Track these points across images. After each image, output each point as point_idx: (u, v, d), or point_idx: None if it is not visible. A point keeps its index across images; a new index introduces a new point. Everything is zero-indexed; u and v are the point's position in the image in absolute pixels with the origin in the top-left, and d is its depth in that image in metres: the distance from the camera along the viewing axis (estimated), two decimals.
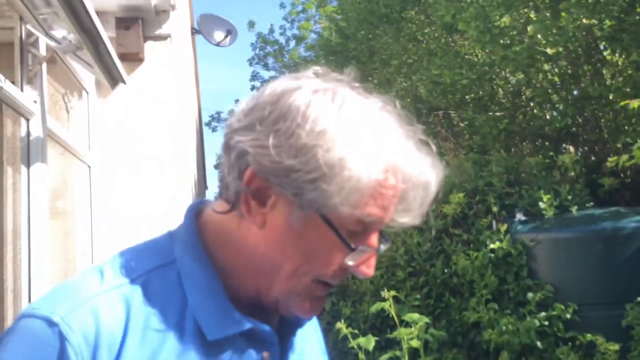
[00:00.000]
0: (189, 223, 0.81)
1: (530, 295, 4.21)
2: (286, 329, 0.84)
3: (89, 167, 3.87)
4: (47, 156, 3.01)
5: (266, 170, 0.71)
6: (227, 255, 0.78)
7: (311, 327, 0.93)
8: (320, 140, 0.69)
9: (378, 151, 0.71)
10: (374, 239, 0.76)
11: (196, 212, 0.83)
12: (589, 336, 3.89)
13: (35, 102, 2.90)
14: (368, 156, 0.70)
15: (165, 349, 0.71)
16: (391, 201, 0.73)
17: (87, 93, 3.92)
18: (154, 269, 0.76)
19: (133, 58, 4.04)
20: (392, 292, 3.41)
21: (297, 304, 0.78)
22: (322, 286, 0.77)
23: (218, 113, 17.01)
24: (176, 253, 0.78)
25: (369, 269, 0.76)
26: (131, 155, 3.98)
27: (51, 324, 0.67)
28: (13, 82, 2.67)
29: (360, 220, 0.72)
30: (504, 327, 3.97)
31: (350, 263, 0.74)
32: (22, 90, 2.81)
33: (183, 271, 0.76)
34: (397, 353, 3.19)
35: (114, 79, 3.16)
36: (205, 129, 14.27)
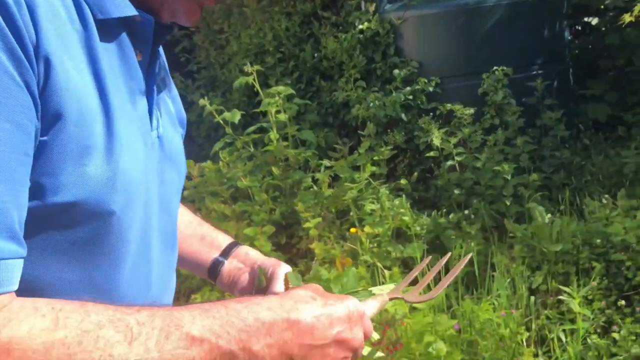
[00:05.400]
0: None
1: (396, 72, 4.29)
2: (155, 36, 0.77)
3: None
4: None
5: None
6: None
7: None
8: None
9: None
10: None
11: None
12: (448, 106, 4.09)
13: None
14: None
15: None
16: None
17: None
18: None
19: None
20: (257, 67, 3.29)
21: (185, 6, 0.74)
22: None
23: None
24: None
25: None
26: None
27: None
28: None
29: None
30: (370, 103, 4.07)
31: None
32: None
33: None
34: (264, 125, 3.16)
35: None
36: None
